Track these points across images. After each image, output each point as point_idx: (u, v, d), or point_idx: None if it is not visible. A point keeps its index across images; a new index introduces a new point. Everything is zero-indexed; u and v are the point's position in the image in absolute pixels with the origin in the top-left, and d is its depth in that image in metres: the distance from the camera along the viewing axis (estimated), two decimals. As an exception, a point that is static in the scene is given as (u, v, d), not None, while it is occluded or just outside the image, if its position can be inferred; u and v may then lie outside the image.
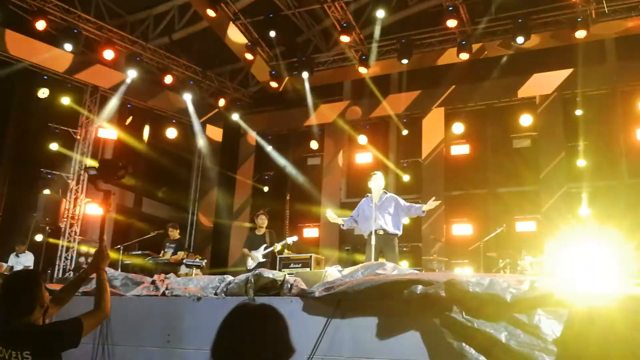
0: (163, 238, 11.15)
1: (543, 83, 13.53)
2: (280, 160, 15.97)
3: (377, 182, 8.07)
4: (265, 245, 9.74)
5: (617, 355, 3.31)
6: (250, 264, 9.64)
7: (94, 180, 3.84)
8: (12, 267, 10.73)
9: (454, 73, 14.04)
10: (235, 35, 14.23)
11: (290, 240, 9.90)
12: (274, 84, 15.17)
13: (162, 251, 10.86)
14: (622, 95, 13.05)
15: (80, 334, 3.19)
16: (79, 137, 14.60)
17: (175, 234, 11.08)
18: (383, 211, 7.96)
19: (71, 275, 12.80)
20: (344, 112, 15.64)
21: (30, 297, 3.19)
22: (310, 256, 8.92)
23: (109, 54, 13.28)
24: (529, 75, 13.69)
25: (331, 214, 8.32)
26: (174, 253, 10.77)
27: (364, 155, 15.31)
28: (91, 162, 14.23)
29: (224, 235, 16.02)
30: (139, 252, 11.11)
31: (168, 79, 14.36)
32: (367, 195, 8.16)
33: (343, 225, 8.38)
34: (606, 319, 3.66)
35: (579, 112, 13.27)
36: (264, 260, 9.60)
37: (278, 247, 9.72)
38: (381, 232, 7.85)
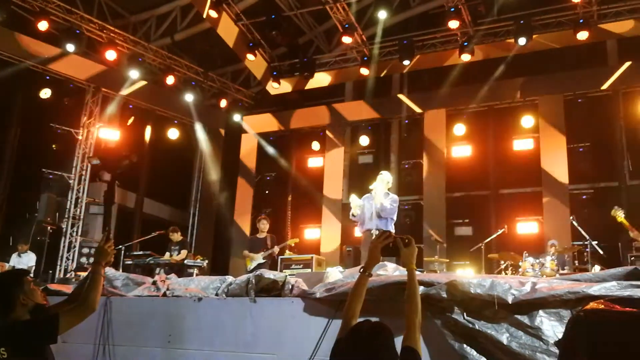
0: (166, 241, 11.15)
1: (545, 84, 13.51)
2: (282, 161, 15.99)
3: (376, 183, 7.95)
4: (265, 248, 9.81)
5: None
6: (250, 265, 9.71)
7: (98, 172, 3.85)
8: (14, 267, 10.74)
9: (456, 74, 14.02)
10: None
11: (292, 242, 9.95)
12: (275, 85, 15.19)
13: (169, 254, 10.86)
14: (623, 96, 13.02)
15: (56, 330, 3.19)
16: (80, 138, 14.60)
17: (176, 236, 11.08)
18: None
19: (73, 275, 12.82)
20: (345, 113, 15.64)
21: (7, 296, 3.24)
22: (312, 257, 8.95)
23: (111, 55, 13.31)
24: (530, 76, 13.68)
25: (355, 201, 7.87)
26: (179, 254, 10.78)
27: (366, 156, 15.30)
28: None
29: (225, 237, 16.01)
30: (140, 252, 11.11)
31: (170, 80, 14.39)
32: (370, 193, 8.07)
33: (354, 216, 8.04)
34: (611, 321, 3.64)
35: (580, 114, 13.26)
36: (263, 261, 9.65)
37: (277, 250, 9.76)
38: (377, 233, 7.77)
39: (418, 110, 14.76)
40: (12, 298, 3.24)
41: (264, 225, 10.16)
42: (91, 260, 13.42)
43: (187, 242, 11.78)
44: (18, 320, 3.23)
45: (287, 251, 10.41)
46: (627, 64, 12.81)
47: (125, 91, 14.65)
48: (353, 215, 7.86)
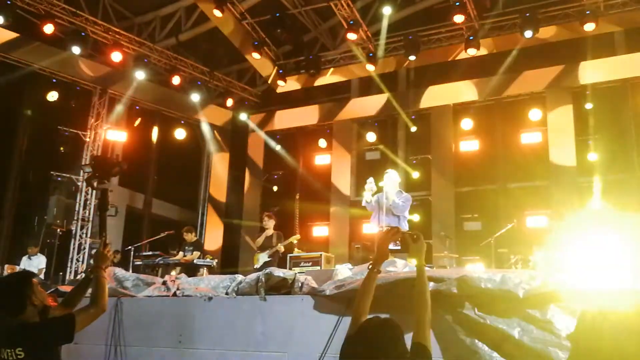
0: (180, 240, 11.16)
1: (552, 77, 13.42)
2: (289, 159, 15.99)
3: (385, 182, 7.91)
4: (271, 245, 9.84)
5: (632, 351, 3.26)
6: (257, 264, 9.75)
7: (89, 180, 3.86)
8: (24, 270, 10.78)
9: (462, 68, 13.96)
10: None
11: (293, 239, 9.96)
12: (281, 83, 15.18)
13: (182, 254, 10.87)
14: (632, 87, 12.93)
15: (72, 329, 3.23)
16: (88, 140, 14.67)
17: (190, 236, 11.06)
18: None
19: (83, 276, 12.87)
20: (352, 110, 15.61)
21: (19, 296, 3.25)
22: (321, 254, 8.91)
23: (116, 56, 13.34)
24: (537, 69, 13.59)
25: (371, 185, 7.78)
26: (192, 255, 10.80)
27: (373, 152, 15.27)
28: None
29: (234, 235, 16.04)
30: (150, 252, 11.14)
31: (176, 80, 14.39)
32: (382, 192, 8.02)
33: (368, 202, 7.86)
34: (619, 313, 3.61)
35: (589, 106, 13.16)
36: (269, 259, 9.68)
37: (281, 247, 9.77)
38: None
39: (424, 105, 14.71)
40: (24, 298, 3.26)
41: (270, 222, 10.19)
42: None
43: (201, 244, 11.76)
44: (28, 321, 3.24)
45: (296, 249, 10.41)
46: (635, 54, 12.71)
47: (131, 92, 14.68)
48: (367, 201, 7.81)
